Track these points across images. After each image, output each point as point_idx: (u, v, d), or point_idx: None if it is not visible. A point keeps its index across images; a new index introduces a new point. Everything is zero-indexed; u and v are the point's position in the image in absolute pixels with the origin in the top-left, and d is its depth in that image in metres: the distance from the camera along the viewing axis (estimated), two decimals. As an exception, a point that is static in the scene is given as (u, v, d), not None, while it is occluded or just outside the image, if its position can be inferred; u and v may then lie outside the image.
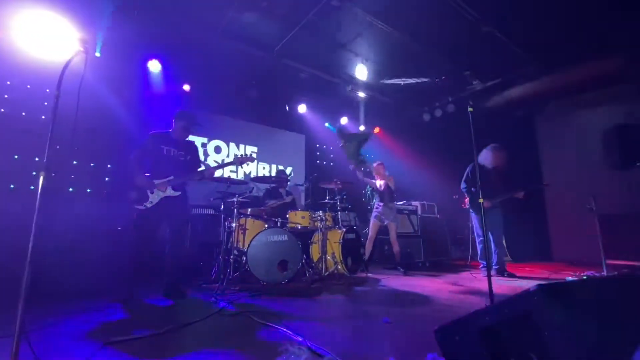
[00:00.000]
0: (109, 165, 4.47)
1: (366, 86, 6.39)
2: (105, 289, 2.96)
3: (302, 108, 6.71)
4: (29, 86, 4.00)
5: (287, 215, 4.24)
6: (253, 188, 4.42)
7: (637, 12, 4.07)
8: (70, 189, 4.05)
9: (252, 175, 6.19)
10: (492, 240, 4.26)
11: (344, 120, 7.43)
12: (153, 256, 3.22)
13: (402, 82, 5.33)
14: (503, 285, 3.53)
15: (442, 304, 2.84)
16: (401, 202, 5.75)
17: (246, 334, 1.98)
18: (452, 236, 6.18)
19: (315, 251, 4.33)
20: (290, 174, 6.51)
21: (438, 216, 6.14)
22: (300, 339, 1.84)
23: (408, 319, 2.34)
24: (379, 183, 4.77)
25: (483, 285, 3.43)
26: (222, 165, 3.47)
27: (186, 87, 5.40)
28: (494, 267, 4.22)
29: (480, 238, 4.39)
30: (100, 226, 3.57)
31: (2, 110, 3.84)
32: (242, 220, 3.91)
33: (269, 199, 4.59)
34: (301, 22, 4.43)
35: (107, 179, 4.44)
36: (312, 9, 4.18)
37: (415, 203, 5.93)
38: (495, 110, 6.17)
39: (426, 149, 7.38)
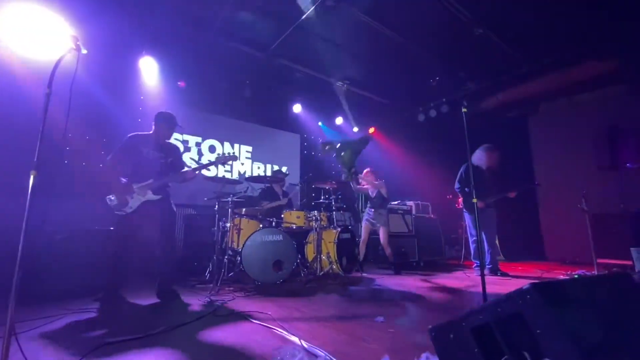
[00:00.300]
0: (100, 165, 4.42)
1: (361, 86, 6.40)
2: (95, 290, 2.92)
3: (297, 108, 6.70)
4: (18, 84, 3.93)
5: (282, 215, 4.23)
6: (248, 188, 4.40)
7: (626, 16, 4.15)
8: (61, 189, 3.99)
9: (246, 175, 6.18)
10: (485, 240, 4.30)
11: (339, 120, 7.44)
12: (140, 258, 3.19)
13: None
14: (496, 285, 3.57)
15: (436, 303, 2.86)
16: (395, 202, 5.78)
17: (241, 335, 1.97)
18: (446, 236, 6.22)
19: (310, 251, 4.33)
20: (285, 173, 6.51)
21: (432, 216, 6.18)
22: (295, 338, 1.84)
23: (402, 318, 2.35)
24: (372, 190, 4.77)
25: (476, 285, 3.46)
26: (203, 166, 3.36)
27: (181, 84, 5.35)
28: (487, 266, 4.26)
29: (474, 238, 4.43)
30: (91, 226, 3.51)
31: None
32: (237, 220, 3.89)
33: (264, 200, 4.57)
34: (296, 22, 4.42)
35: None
36: (307, 9, 4.18)
37: (410, 203, 5.96)
38: (489, 111, 6.23)
39: (420, 149, 7.43)
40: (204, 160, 5.82)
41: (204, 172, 5.70)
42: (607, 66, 4.93)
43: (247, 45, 4.98)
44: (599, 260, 4.12)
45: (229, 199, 3.70)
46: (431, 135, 7.24)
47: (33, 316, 2.28)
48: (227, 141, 6.20)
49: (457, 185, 4.51)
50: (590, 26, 4.44)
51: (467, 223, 4.66)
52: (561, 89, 5.71)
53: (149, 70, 4.87)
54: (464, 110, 2.79)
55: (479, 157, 4.45)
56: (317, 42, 4.95)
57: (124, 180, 2.86)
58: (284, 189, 5.00)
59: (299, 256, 3.94)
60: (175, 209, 3.15)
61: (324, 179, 4.90)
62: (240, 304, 2.73)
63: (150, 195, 2.92)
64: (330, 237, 4.27)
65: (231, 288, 3.32)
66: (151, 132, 3.11)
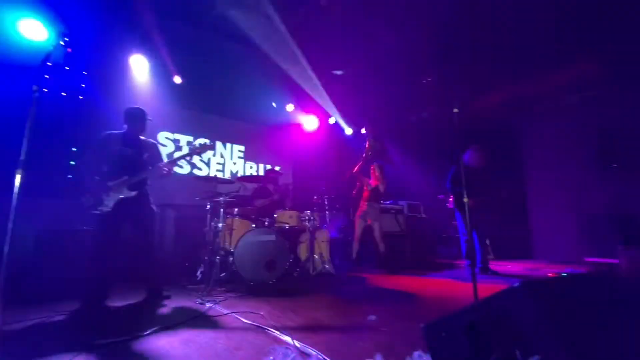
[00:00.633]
0: (94, 163, 4.34)
1: (353, 85, 6.42)
2: (80, 292, 2.86)
3: (290, 107, 6.68)
4: (6, 81, 3.84)
5: (275, 215, 4.22)
6: (240, 187, 4.37)
7: (611, 22, 4.24)
8: (48, 188, 3.91)
9: (239, 175, 6.14)
10: (476, 239, 4.35)
11: (331, 120, 7.44)
12: (122, 258, 3.14)
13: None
14: (487, 283, 3.61)
15: (428, 301, 2.88)
16: (388, 202, 5.81)
17: (233, 335, 1.95)
18: (437, 235, 6.28)
19: (303, 251, 4.33)
20: (279, 172, 6.48)
21: (424, 216, 6.23)
22: (287, 338, 1.83)
23: (394, 317, 2.36)
24: (373, 181, 4.81)
25: (467, 283, 3.50)
26: (177, 159, 3.25)
27: (177, 80, 5.28)
28: (477, 265, 4.31)
29: (465, 237, 4.48)
30: (79, 226, 3.44)
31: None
32: (229, 220, 3.86)
33: (257, 199, 4.54)
34: (290, 21, 4.42)
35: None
36: (300, 8, 4.17)
37: (402, 203, 6.00)
38: (480, 113, 6.30)
39: (412, 150, 7.47)
40: (195, 160, 5.76)
41: (196, 171, 5.70)
42: (593, 70, 5.03)
43: (240, 43, 4.95)
44: (586, 259, 4.21)
45: (221, 198, 3.67)
46: (423, 136, 7.30)
47: (18, 318, 2.22)
48: (219, 140, 6.15)
49: (448, 184, 4.55)
50: (578, 31, 4.52)
51: (458, 222, 4.71)
52: (550, 92, 5.81)
53: (140, 68, 4.80)
54: (455, 111, 2.82)
55: (469, 157, 4.51)
56: (309, 41, 4.95)
57: (96, 178, 2.81)
58: (277, 186, 4.96)
59: (292, 256, 3.92)
60: (154, 206, 3.09)
61: (317, 178, 4.90)
62: (233, 304, 2.72)
63: (126, 192, 2.86)
64: (324, 237, 4.27)
65: (223, 289, 3.29)
66: (125, 129, 3.05)
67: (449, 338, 1.15)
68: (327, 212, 4.73)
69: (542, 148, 6.31)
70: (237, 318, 2.29)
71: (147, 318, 2.40)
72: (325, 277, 4.07)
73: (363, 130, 7.82)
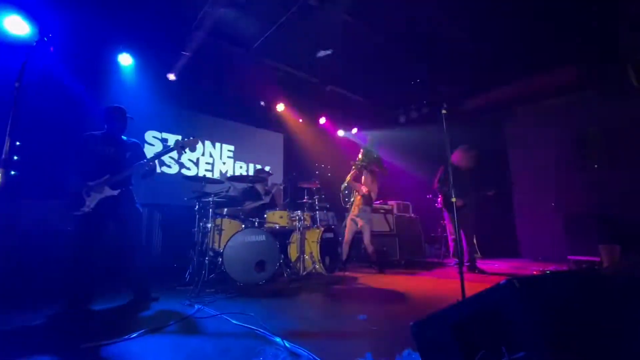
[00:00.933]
0: (75, 163, 4.24)
1: (343, 86, 6.44)
2: (64, 295, 2.79)
3: (280, 107, 6.66)
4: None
5: (265, 215, 4.20)
6: (230, 187, 4.33)
7: (594, 27, 4.38)
8: (32, 187, 3.80)
9: (228, 174, 6.08)
10: (463, 238, 4.42)
11: (322, 120, 7.46)
12: (106, 259, 3.08)
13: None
14: (474, 281, 3.67)
15: (417, 300, 2.91)
16: (377, 202, 5.85)
17: (222, 336, 1.94)
18: (426, 235, 6.36)
19: (293, 251, 4.32)
20: (269, 172, 6.45)
21: (413, 215, 6.30)
22: (277, 339, 1.83)
23: (384, 316, 2.38)
24: (364, 188, 4.81)
25: (455, 282, 3.56)
26: (160, 154, 3.13)
27: (171, 77, 5.20)
28: (465, 264, 4.38)
29: (453, 236, 4.55)
30: (63, 227, 3.35)
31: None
32: (218, 221, 3.83)
33: (247, 200, 4.50)
34: (279, 21, 4.40)
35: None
36: (290, 8, 4.16)
37: (391, 202, 6.05)
38: (467, 113, 6.41)
39: (401, 150, 7.55)
40: (184, 160, 5.69)
41: (185, 171, 5.63)
42: (575, 73, 5.18)
43: (229, 43, 4.91)
44: (570, 257, 4.32)
45: (210, 198, 3.63)
46: (412, 136, 7.38)
47: (2, 322, 2.16)
48: (208, 140, 6.08)
49: (436, 184, 4.62)
50: (562, 36, 4.65)
51: (446, 221, 4.78)
52: (533, 94, 5.96)
53: (128, 67, 4.71)
54: (443, 112, 2.86)
55: (457, 157, 4.58)
56: (300, 41, 4.95)
57: (75, 178, 2.74)
58: (267, 187, 4.94)
59: (282, 256, 3.91)
60: (139, 206, 3.03)
61: (308, 178, 4.90)
62: (222, 305, 2.69)
63: (108, 191, 2.80)
64: (314, 237, 4.27)
65: (212, 290, 3.26)
66: (105, 129, 3.00)
67: (437, 336, 1.16)
68: (317, 212, 4.74)
69: (526, 149, 6.45)
70: (226, 319, 2.27)
71: (135, 320, 2.36)
72: (316, 277, 4.07)
73: (354, 131, 7.87)
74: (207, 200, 3.63)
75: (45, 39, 1.80)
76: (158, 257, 4.56)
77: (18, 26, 3.42)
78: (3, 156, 1.40)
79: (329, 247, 4.37)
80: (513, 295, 0.97)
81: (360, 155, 4.97)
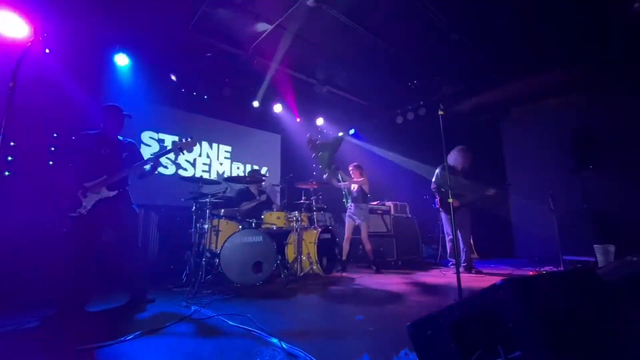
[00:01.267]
0: (70, 164, 4.21)
1: (341, 87, 6.45)
2: (59, 297, 2.76)
3: (277, 108, 6.66)
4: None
5: (262, 216, 4.19)
6: (227, 188, 4.32)
7: (590, 28, 4.43)
8: (25, 188, 3.77)
9: (225, 175, 6.07)
10: (460, 239, 4.44)
11: (319, 121, 7.47)
12: (103, 260, 3.06)
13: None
14: (471, 282, 3.69)
15: (414, 300, 2.92)
16: (375, 202, 5.86)
17: (219, 338, 1.93)
18: (423, 235, 6.37)
19: (290, 252, 4.31)
20: (265, 173, 6.43)
21: (410, 216, 6.31)
22: (274, 340, 1.82)
23: (381, 317, 2.38)
24: (354, 186, 4.85)
25: (452, 282, 3.57)
26: (158, 155, 3.09)
27: (173, 78, 5.19)
28: (462, 264, 4.39)
29: (450, 236, 4.56)
30: (57, 229, 3.32)
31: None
32: (215, 222, 3.82)
33: (242, 201, 4.49)
34: (277, 21, 4.40)
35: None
36: (288, 9, 4.16)
37: (389, 203, 6.06)
38: (464, 114, 6.44)
39: (399, 151, 7.57)
40: (181, 160, 5.67)
41: (182, 171, 5.60)
42: (570, 75, 5.23)
43: (226, 43, 4.89)
44: (565, 257, 4.35)
45: (207, 199, 3.61)
46: (409, 137, 7.40)
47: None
48: (205, 140, 6.07)
49: (433, 185, 4.63)
50: (557, 37, 4.69)
51: (443, 222, 4.79)
52: (529, 95, 6.00)
53: (124, 67, 4.68)
54: (440, 112, 2.88)
55: (454, 158, 4.60)
56: (297, 42, 4.95)
57: (69, 178, 2.71)
58: (260, 188, 4.92)
59: (279, 257, 3.91)
60: (136, 207, 3.00)
61: (305, 179, 4.90)
62: (219, 307, 2.68)
63: (105, 192, 2.77)
64: (311, 238, 4.27)
65: (209, 291, 3.25)
66: (101, 128, 2.95)
67: (435, 336, 1.17)
68: (314, 213, 4.73)
69: (522, 149, 6.50)
70: (223, 321, 2.26)
71: (131, 322, 2.34)
72: (313, 278, 4.07)
73: (352, 131, 7.87)
74: (204, 201, 3.62)
75: (40, 38, 1.79)
76: (154, 258, 4.54)
77: (12, 26, 3.39)
78: (-3, 157, 1.39)
79: (326, 248, 4.37)
80: (509, 296, 0.98)
81: (322, 166, 4.96)
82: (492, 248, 6.21)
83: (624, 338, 1.11)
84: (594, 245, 4.06)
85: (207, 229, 3.67)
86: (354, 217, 4.78)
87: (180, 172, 5.64)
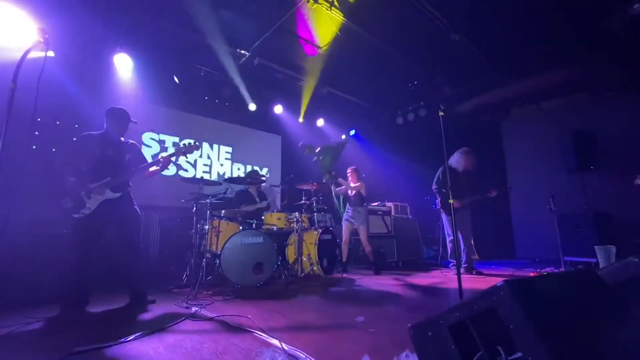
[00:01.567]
0: (73, 165, 4.22)
1: (341, 89, 6.45)
2: (61, 297, 2.76)
3: (278, 109, 6.67)
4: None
5: (263, 217, 4.19)
6: (227, 189, 4.32)
7: (590, 29, 4.43)
8: (26, 190, 3.77)
9: (226, 176, 6.07)
10: (461, 240, 4.43)
11: (320, 122, 7.47)
12: (105, 262, 3.06)
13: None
14: (471, 283, 3.68)
15: (415, 302, 2.91)
16: (375, 203, 5.86)
17: (219, 339, 1.93)
18: (424, 236, 6.37)
19: (291, 253, 4.31)
20: (266, 174, 6.43)
21: (410, 217, 6.30)
22: (275, 341, 1.82)
23: (382, 318, 2.38)
24: (350, 190, 4.83)
25: (453, 283, 3.56)
26: (164, 160, 3.09)
27: (176, 80, 5.21)
28: (462, 265, 4.39)
29: (451, 237, 4.56)
30: (57, 229, 3.32)
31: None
32: (216, 222, 3.82)
33: (242, 203, 4.48)
34: (277, 22, 4.40)
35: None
36: (288, 10, 4.17)
37: (389, 204, 6.06)
38: (465, 115, 6.44)
39: (399, 151, 7.57)
40: (181, 161, 5.67)
41: (182, 172, 5.61)
42: (571, 75, 5.23)
43: (227, 44, 4.90)
44: (566, 258, 4.34)
45: (208, 200, 3.62)
46: (409, 138, 7.40)
47: (-6, 326, 2.14)
48: (205, 141, 6.07)
49: (434, 186, 4.63)
50: (557, 38, 4.70)
51: (444, 223, 4.79)
52: (530, 96, 6.00)
53: (124, 68, 4.69)
54: (441, 114, 2.88)
55: (456, 160, 4.60)
56: (298, 43, 4.95)
57: (73, 180, 2.69)
58: (259, 189, 4.90)
59: (280, 258, 3.91)
60: (137, 208, 3.01)
61: (306, 180, 4.90)
62: (219, 308, 2.68)
63: (109, 194, 2.78)
64: (311, 239, 4.27)
65: (210, 292, 3.25)
66: (104, 130, 2.96)
67: (435, 337, 1.17)
68: (315, 214, 4.73)
69: (523, 150, 6.49)
70: (223, 322, 2.26)
71: (131, 323, 2.34)
72: (313, 278, 4.07)
73: (352, 132, 7.87)
74: (204, 202, 3.62)
75: (42, 39, 1.80)
76: (155, 259, 4.53)
77: (15, 27, 3.40)
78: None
79: (326, 248, 4.37)
80: (510, 297, 0.97)
81: (322, 170, 4.95)
82: (493, 249, 6.19)
83: (626, 339, 1.11)
84: (595, 246, 4.04)
85: (208, 229, 3.68)
86: (352, 220, 4.75)
87: (181, 173, 5.65)
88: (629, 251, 2.72)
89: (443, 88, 6.30)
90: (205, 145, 6.08)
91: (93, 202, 2.72)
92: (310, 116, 7.27)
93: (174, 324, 2.20)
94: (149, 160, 3.15)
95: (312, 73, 5.89)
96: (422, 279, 4.18)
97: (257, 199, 4.65)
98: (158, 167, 3.04)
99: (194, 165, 5.87)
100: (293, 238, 4.31)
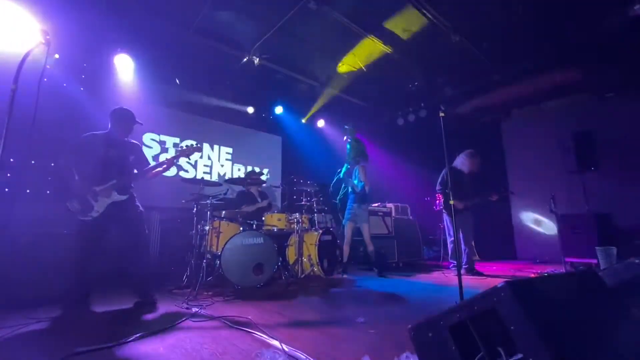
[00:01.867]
0: (78, 165, 4.22)
1: (342, 89, 6.46)
2: (62, 297, 2.76)
3: (278, 109, 6.68)
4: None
5: (263, 218, 4.19)
6: (227, 190, 4.32)
7: (590, 30, 4.44)
8: (28, 190, 3.78)
9: (226, 177, 6.08)
10: (462, 241, 4.43)
11: (320, 123, 7.48)
12: (109, 263, 3.06)
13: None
14: (472, 284, 3.68)
15: (415, 302, 2.91)
16: (376, 204, 5.85)
17: (220, 340, 1.93)
18: (424, 237, 6.36)
19: (291, 253, 4.31)
20: (266, 175, 6.44)
21: (411, 217, 6.30)
22: (275, 342, 1.82)
23: (382, 319, 2.38)
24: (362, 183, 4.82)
25: (454, 284, 3.56)
26: (167, 161, 3.06)
27: (177, 81, 5.22)
28: (463, 266, 4.38)
29: (452, 238, 4.55)
30: (58, 229, 3.32)
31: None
32: (216, 223, 3.82)
33: (242, 203, 4.48)
34: (278, 24, 4.41)
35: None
36: (289, 11, 4.18)
37: (390, 205, 6.05)
38: (465, 116, 6.44)
39: (399, 152, 7.57)
40: (182, 162, 5.67)
41: (183, 173, 5.61)
42: (571, 76, 5.23)
43: (227, 45, 4.91)
44: (567, 259, 4.33)
45: (208, 201, 3.62)
46: (410, 139, 7.40)
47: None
48: (206, 142, 6.08)
49: (438, 186, 4.63)
50: (557, 38, 4.70)
51: (446, 224, 4.78)
52: (530, 96, 6.00)
53: (125, 68, 4.69)
54: (441, 114, 2.88)
55: (462, 162, 4.61)
56: (298, 44, 4.96)
57: (81, 182, 2.67)
58: (260, 189, 4.90)
59: (280, 259, 3.90)
60: (142, 208, 3.00)
61: (306, 181, 4.90)
62: (220, 308, 2.68)
63: (116, 196, 2.77)
64: (312, 240, 4.26)
65: (210, 293, 3.24)
66: (108, 130, 2.94)
67: (436, 338, 1.16)
68: (315, 215, 4.73)
69: (523, 151, 6.49)
70: (224, 322, 2.26)
71: (131, 324, 2.34)
72: (314, 279, 4.06)
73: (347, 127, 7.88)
74: (205, 202, 3.62)
75: (43, 40, 1.80)
76: (155, 260, 4.53)
77: (16, 28, 3.41)
78: (-1, 158, 1.40)
79: (327, 249, 4.37)
80: (511, 298, 0.97)
81: (349, 151, 4.97)
82: (494, 250, 6.19)
83: (627, 340, 1.11)
84: (596, 247, 4.04)
85: (208, 230, 3.68)
86: (355, 218, 4.74)
87: (182, 173, 5.65)
88: (630, 252, 2.72)
89: (443, 89, 6.31)
90: (206, 146, 6.08)
91: (100, 205, 2.70)
92: (311, 117, 7.29)
93: (175, 325, 2.20)
94: (150, 160, 3.15)
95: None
96: (423, 279, 4.17)
97: (259, 199, 4.65)
98: (161, 169, 3.04)
99: (195, 166, 5.87)
100: (293, 239, 4.31)
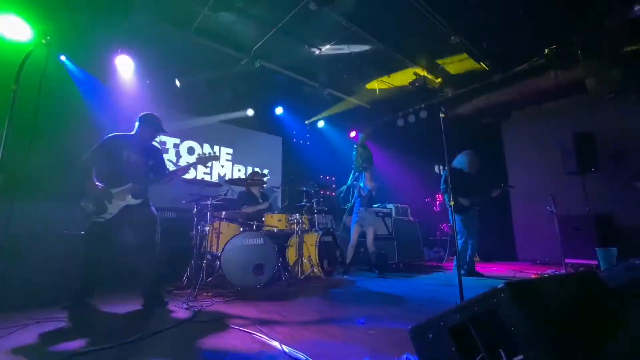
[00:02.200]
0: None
1: (342, 90, 6.47)
2: (64, 298, 2.76)
3: (279, 110, 6.68)
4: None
5: (264, 218, 4.19)
6: (228, 190, 4.31)
7: (592, 30, 4.44)
8: (29, 190, 3.77)
9: (227, 177, 6.07)
10: (462, 242, 4.42)
11: (321, 124, 7.48)
12: (117, 264, 3.05)
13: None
14: (472, 285, 3.67)
15: (416, 303, 2.91)
16: (376, 205, 5.85)
17: (220, 341, 1.92)
18: (425, 238, 6.36)
19: (291, 254, 4.31)
20: (267, 175, 6.43)
21: (411, 218, 6.29)
22: (275, 343, 1.82)
23: (382, 319, 2.37)
24: (368, 187, 4.84)
25: (454, 285, 3.55)
26: (183, 168, 3.18)
27: (178, 83, 5.23)
28: (464, 267, 4.37)
29: (461, 237, 4.53)
30: (60, 229, 3.32)
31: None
32: (216, 224, 3.82)
33: (243, 204, 4.48)
34: (278, 25, 4.42)
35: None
36: (289, 12, 4.18)
37: (390, 206, 6.06)
38: (465, 117, 6.44)
39: (400, 153, 7.57)
40: (182, 163, 5.67)
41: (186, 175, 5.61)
42: (572, 76, 5.23)
43: (228, 46, 4.91)
44: (567, 260, 4.33)
45: (208, 201, 3.61)
46: (410, 140, 7.40)
47: (-4, 327, 2.13)
48: (206, 143, 6.08)
49: (442, 186, 4.63)
50: (558, 38, 4.71)
51: (450, 224, 4.77)
52: (530, 97, 6.00)
53: (126, 69, 4.69)
54: (441, 115, 2.88)
55: (463, 161, 4.61)
56: (298, 45, 4.97)
57: (100, 184, 2.66)
58: (262, 190, 4.90)
59: (280, 260, 3.90)
60: (155, 212, 3.00)
61: (306, 181, 4.90)
62: (220, 309, 2.68)
63: (130, 200, 2.77)
64: (312, 240, 4.26)
65: (210, 293, 3.24)
66: (133, 133, 2.95)
67: (436, 340, 1.16)
68: (316, 215, 4.73)
69: (523, 152, 6.49)
70: (224, 323, 2.26)
71: (131, 324, 2.34)
72: (314, 280, 4.06)
73: (352, 134, 7.89)
74: (205, 203, 3.62)
75: (44, 41, 1.81)
76: (159, 263, 4.53)
77: (16, 28, 3.41)
78: None
79: (327, 250, 4.37)
80: (511, 299, 0.97)
81: (355, 157, 4.99)
82: (494, 251, 6.18)
83: (627, 342, 1.10)
84: (596, 248, 4.03)
85: (208, 231, 3.67)
86: (363, 221, 4.74)
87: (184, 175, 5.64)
88: (631, 253, 2.71)
89: (444, 90, 6.31)
90: (206, 146, 6.08)
91: (114, 207, 2.70)
92: (311, 117, 7.29)
93: (175, 326, 2.20)
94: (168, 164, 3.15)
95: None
96: (423, 280, 4.17)
97: (260, 200, 4.64)
98: (177, 175, 3.05)
99: (195, 167, 5.87)
100: (294, 239, 4.31)
